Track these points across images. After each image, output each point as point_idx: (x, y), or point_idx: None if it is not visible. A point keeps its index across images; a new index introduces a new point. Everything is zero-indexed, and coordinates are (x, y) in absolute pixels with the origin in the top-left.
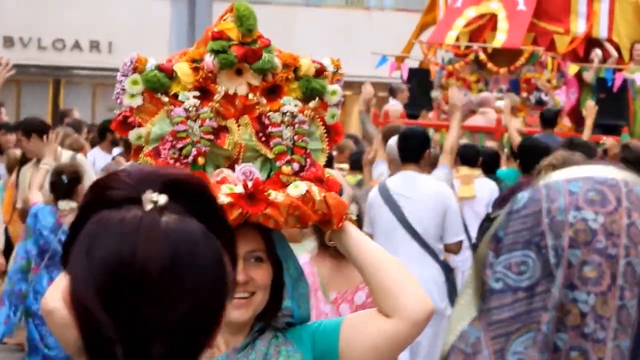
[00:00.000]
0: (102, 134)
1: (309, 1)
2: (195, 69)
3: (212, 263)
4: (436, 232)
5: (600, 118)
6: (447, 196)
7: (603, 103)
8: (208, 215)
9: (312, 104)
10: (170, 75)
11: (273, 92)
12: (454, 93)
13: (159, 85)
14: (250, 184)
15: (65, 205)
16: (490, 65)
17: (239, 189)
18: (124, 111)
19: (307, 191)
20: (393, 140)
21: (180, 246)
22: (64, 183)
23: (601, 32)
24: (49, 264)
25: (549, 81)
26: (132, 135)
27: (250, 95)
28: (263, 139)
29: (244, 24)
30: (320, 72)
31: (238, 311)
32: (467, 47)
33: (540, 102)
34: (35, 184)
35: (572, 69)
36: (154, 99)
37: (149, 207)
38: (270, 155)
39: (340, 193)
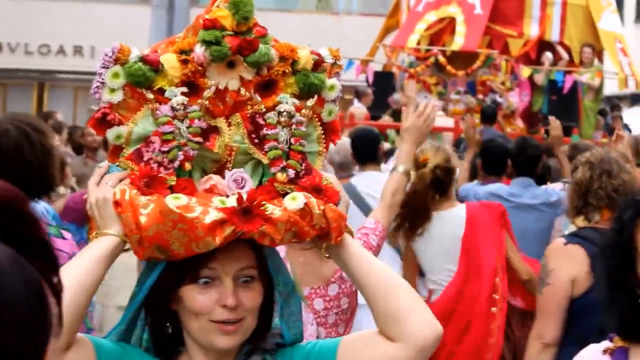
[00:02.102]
0: None
1: (281, 6)
2: (184, 62)
3: (22, 298)
4: None
5: None
6: None
7: (554, 105)
8: (19, 234)
9: (310, 102)
10: (156, 67)
11: (267, 87)
12: (409, 85)
13: (143, 78)
14: (244, 195)
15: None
16: (449, 68)
17: (232, 202)
18: (103, 107)
19: (306, 204)
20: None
21: None
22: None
23: (553, 35)
24: None
25: (503, 83)
26: (111, 134)
27: (242, 91)
28: (256, 141)
29: (240, 12)
30: (317, 64)
31: (226, 338)
32: (428, 50)
33: (495, 104)
34: None
35: (524, 71)
36: (137, 94)
37: None
38: (265, 161)
39: (338, 203)
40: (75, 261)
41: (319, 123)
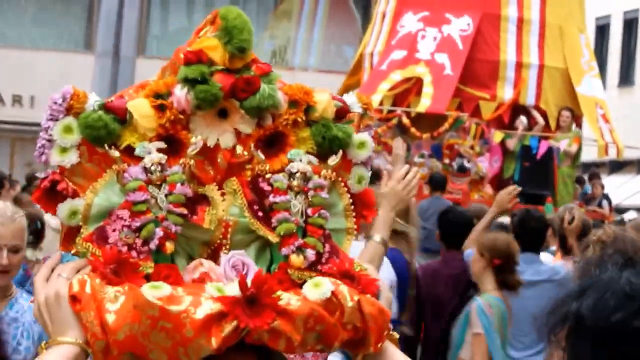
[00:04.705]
0: None
1: None
2: (160, 108)
3: None
4: None
5: (524, 187)
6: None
7: (527, 172)
8: None
9: (332, 159)
10: (122, 117)
11: (273, 142)
12: (396, 143)
13: (105, 132)
14: (249, 280)
15: (32, 255)
16: (413, 130)
17: (233, 290)
18: (52, 173)
19: (334, 293)
20: None
21: None
22: (38, 231)
23: (529, 99)
24: None
25: (472, 147)
26: (63, 210)
27: (239, 149)
28: (260, 213)
29: (234, 40)
30: (341, 114)
31: None
32: (391, 111)
33: (462, 169)
34: None
35: (497, 136)
36: (97, 155)
37: None
38: (273, 239)
39: (377, 296)
40: None
41: (347, 190)
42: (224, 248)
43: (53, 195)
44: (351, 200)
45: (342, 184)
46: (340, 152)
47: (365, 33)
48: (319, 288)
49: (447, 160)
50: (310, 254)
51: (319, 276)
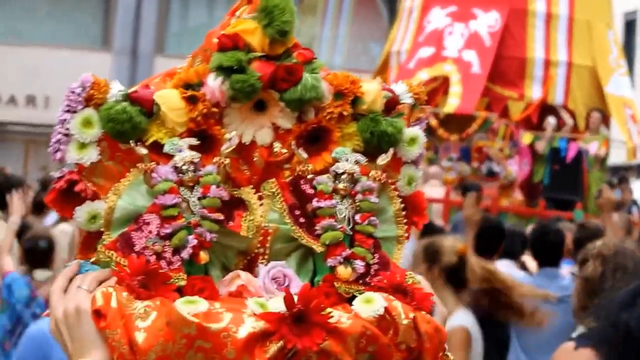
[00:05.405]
0: None
1: None
2: (191, 100)
3: None
4: None
5: (552, 192)
6: None
7: (557, 176)
8: None
9: (382, 159)
10: (149, 109)
11: (316, 139)
12: None
13: (130, 126)
14: (295, 296)
15: (41, 275)
16: (441, 131)
17: (277, 305)
18: (68, 172)
19: (387, 310)
20: None
21: None
22: (42, 250)
23: (557, 98)
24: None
25: (501, 150)
26: (82, 214)
27: (277, 146)
28: (302, 220)
29: (275, 22)
30: (390, 106)
31: None
32: None
33: (491, 173)
34: (5, 248)
35: (526, 137)
36: (120, 152)
37: None
38: (317, 249)
39: (431, 312)
40: None
41: (397, 194)
42: (261, 257)
43: (70, 197)
44: (402, 205)
45: (392, 186)
46: (391, 150)
47: (392, 29)
48: (371, 304)
49: (475, 164)
50: (359, 265)
51: (368, 290)
